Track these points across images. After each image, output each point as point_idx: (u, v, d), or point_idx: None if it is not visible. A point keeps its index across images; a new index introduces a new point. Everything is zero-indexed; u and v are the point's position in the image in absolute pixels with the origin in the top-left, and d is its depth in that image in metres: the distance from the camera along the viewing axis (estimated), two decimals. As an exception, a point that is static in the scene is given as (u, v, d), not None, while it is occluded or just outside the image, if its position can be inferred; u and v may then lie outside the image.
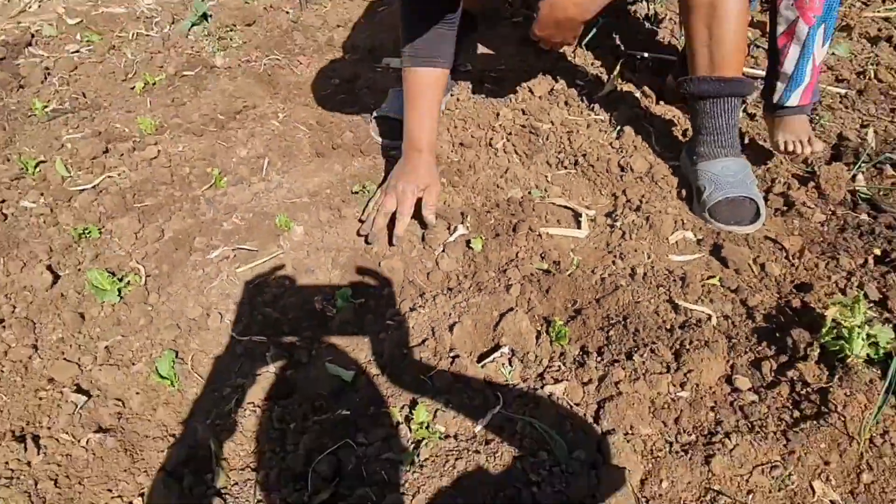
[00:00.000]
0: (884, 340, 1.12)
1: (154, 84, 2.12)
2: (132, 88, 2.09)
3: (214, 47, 2.28)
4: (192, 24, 2.37)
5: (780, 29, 1.52)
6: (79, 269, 1.47)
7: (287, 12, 2.53)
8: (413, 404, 1.13)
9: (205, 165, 1.77)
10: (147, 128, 1.88)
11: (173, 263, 1.48)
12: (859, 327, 1.12)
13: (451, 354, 1.20)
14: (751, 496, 0.98)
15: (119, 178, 1.72)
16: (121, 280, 1.42)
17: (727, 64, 1.48)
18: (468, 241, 1.50)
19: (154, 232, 1.55)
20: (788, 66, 1.54)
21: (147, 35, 2.36)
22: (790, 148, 1.59)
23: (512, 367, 1.19)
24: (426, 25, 1.54)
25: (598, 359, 1.19)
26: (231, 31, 2.38)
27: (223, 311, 1.36)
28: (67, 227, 1.57)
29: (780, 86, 1.57)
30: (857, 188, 1.64)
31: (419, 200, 1.54)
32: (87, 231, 1.54)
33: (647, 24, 2.33)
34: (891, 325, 1.21)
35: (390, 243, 1.51)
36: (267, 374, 1.23)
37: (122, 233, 1.55)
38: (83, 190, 1.68)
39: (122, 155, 1.80)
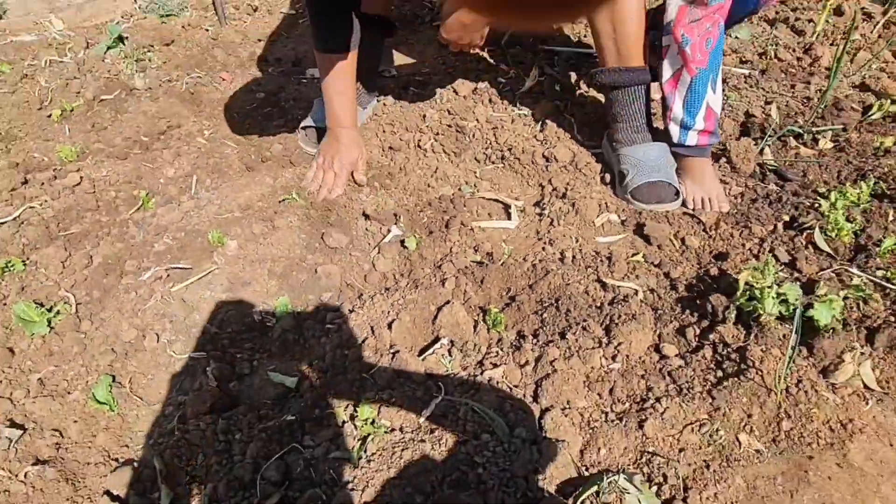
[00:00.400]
0: (792, 297, 1.21)
1: (72, 111, 2.07)
2: (49, 116, 2.04)
3: (133, 69, 2.24)
4: (108, 48, 2.33)
5: (666, 76, 1.55)
6: (3, 304, 1.43)
7: (206, 29, 2.51)
8: (357, 402, 1.14)
9: (131, 188, 1.74)
10: (67, 155, 1.84)
11: (104, 289, 1.45)
12: (769, 287, 1.19)
13: (392, 351, 1.22)
14: (682, 454, 1.04)
15: (41, 208, 1.67)
16: (50, 310, 1.38)
17: (632, 56, 1.58)
18: (402, 241, 1.53)
19: (82, 259, 1.52)
20: (678, 111, 1.56)
21: (61, 62, 2.30)
22: (698, 206, 1.59)
23: (452, 357, 1.22)
24: (331, 12, 1.61)
25: (534, 341, 1.24)
26: (149, 51, 2.34)
27: (159, 331, 1.35)
28: (-11, 261, 1.52)
29: (674, 127, 1.60)
30: (764, 161, 1.75)
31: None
32: (9, 264, 1.50)
33: (562, 20, 2.41)
34: (799, 284, 1.30)
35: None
36: (209, 389, 1.22)
37: (48, 263, 1.51)
38: (3, 223, 1.63)
39: (43, 184, 1.75)
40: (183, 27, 2.53)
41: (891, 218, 1.48)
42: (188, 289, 1.44)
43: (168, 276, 1.47)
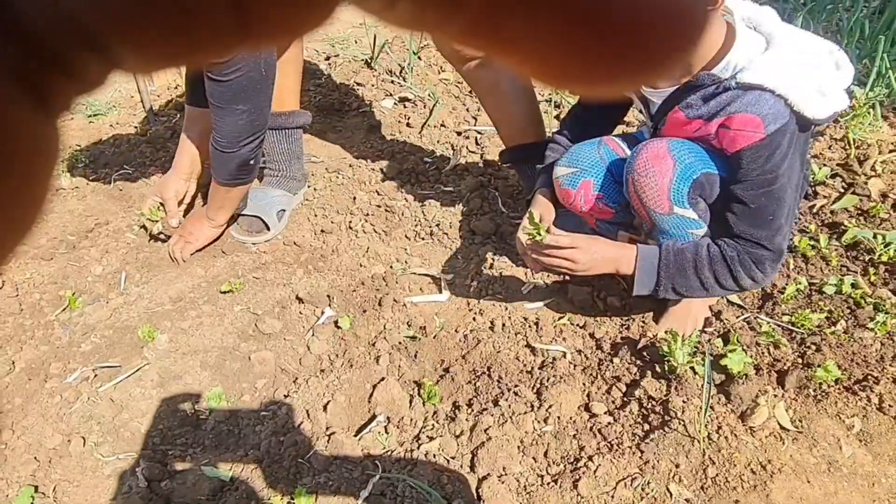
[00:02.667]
0: (692, 348, 1.28)
1: (-6, 214, 2.03)
2: (-30, 221, 2.00)
3: (60, 169, 2.23)
4: (34, 150, 2.32)
5: None
6: (-83, 420, 1.36)
7: (134, 127, 2.54)
8: (294, 491, 1.13)
9: (57, 289, 1.71)
10: (-11, 259, 1.80)
11: (27, 395, 1.40)
12: (681, 341, 1.27)
13: (328, 433, 1.22)
14: (616, 510, 1.07)
15: (-40, 316, 1.62)
16: (-33, 422, 1.32)
17: (526, 133, 1.74)
18: (336, 322, 1.55)
19: (3, 366, 1.47)
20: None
21: (-17, 166, 2.28)
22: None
23: (388, 433, 1.23)
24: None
25: (469, 410, 1.26)
26: (77, 151, 2.35)
27: (86, 433, 1.30)
28: None
29: None
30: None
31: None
32: (-76, 377, 1.44)
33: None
34: (717, 334, 1.38)
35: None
36: (138, 491, 1.18)
37: (-33, 372, 1.45)
38: (-82, 334, 1.57)
39: (-38, 291, 1.70)
40: (111, 125, 2.55)
41: (792, 266, 1.60)
42: (117, 388, 1.41)
43: (96, 376, 1.44)
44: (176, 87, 2.87)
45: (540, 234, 1.30)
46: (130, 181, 2.20)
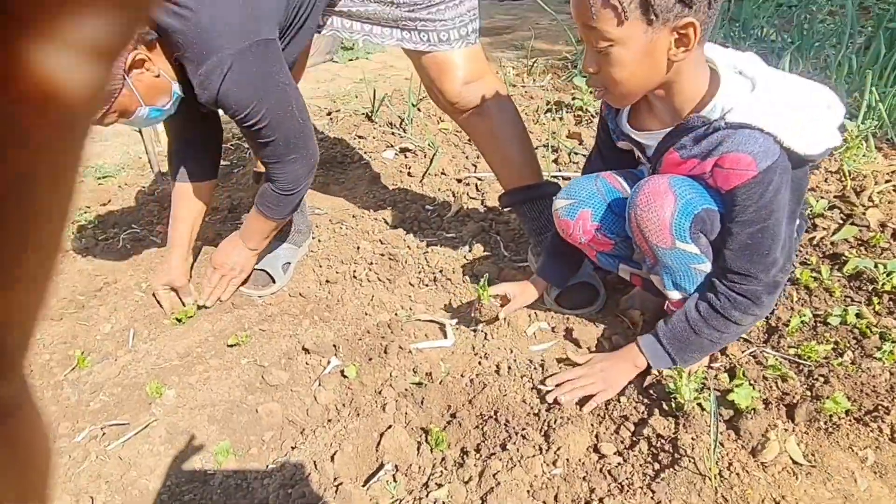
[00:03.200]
0: (698, 384, 1.28)
1: (6, 277, 2.07)
2: (-18, 285, 2.04)
3: (70, 231, 2.28)
4: (44, 213, 2.38)
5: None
6: (-74, 485, 1.36)
7: (142, 187, 2.61)
8: (303, 543, 1.12)
9: (66, 349, 1.73)
10: None
11: (36, 456, 1.40)
12: (686, 377, 1.26)
13: (336, 483, 1.22)
14: (630, 553, 1.05)
15: (-30, 379, 1.64)
16: (-24, 486, 1.32)
17: (523, 176, 1.76)
18: (342, 371, 1.55)
19: (13, 427, 1.47)
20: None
21: (-4, 230, 2.33)
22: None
23: (397, 482, 1.22)
24: (184, 148, 1.85)
25: (477, 455, 1.25)
26: (85, 213, 2.40)
27: (94, 493, 1.30)
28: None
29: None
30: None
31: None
32: (-66, 441, 1.44)
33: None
34: (724, 369, 1.37)
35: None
36: (147, 550, 1.17)
37: (-24, 435, 1.46)
38: (-71, 399, 1.58)
39: (-27, 354, 1.72)
40: (119, 187, 2.62)
41: (795, 299, 1.61)
42: (125, 445, 1.41)
43: (104, 434, 1.44)
44: (183, 147, 2.95)
45: (483, 296, 1.53)
46: (138, 240, 2.25)
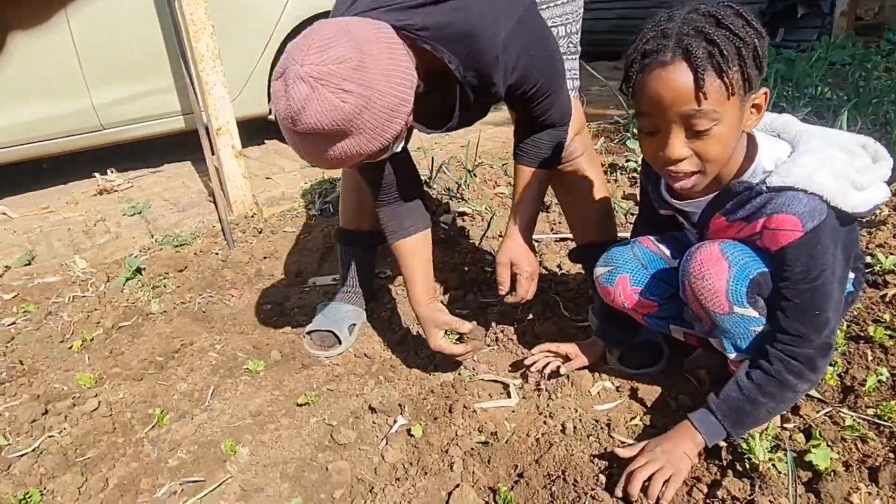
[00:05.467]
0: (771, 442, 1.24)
1: (92, 340, 2.21)
2: (70, 348, 2.17)
3: (149, 296, 2.43)
4: (127, 279, 2.54)
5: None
6: (19, 538, 1.44)
7: (216, 253, 2.76)
8: None
9: (146, 407, 1.81)
10: (86, 382, 1.94)
11: (119, 511, 1.47)
12: (759, 437, 1.24)
13: (406, 542, 1.23)
14: None
15: (60, 437, 1.73)
16: (65, 538, 1.39)
17: (599, 232, 1.81)
18: (409, 430, 1.58)
19: (98, 483, 1.55)
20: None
21: (83, 296, 2.49)
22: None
23: (466, 542, 1.22)
24: (389, 201, 1.73)
25: (546, 516, 1.25)
26: (164, 278, 2.55)
27: (174, 548, 1.34)
28: (6, 495, 1.55)
29: None
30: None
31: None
32: (27, 496, 1.52)
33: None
34: (798, 429, 1.34)
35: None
36: None
37: (65, 490, 1.53)
38: (22, 455, 1.68)
39: (62, 413, 1.83)
40: (195, 254, 2.77)
41: (870, 358, 1.56)
42: (202, 501, 1.46)
43: (182, 490, 1.50)
44: (253, 216, 3.12)
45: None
46: (213, 303, 2.37)
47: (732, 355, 1.34)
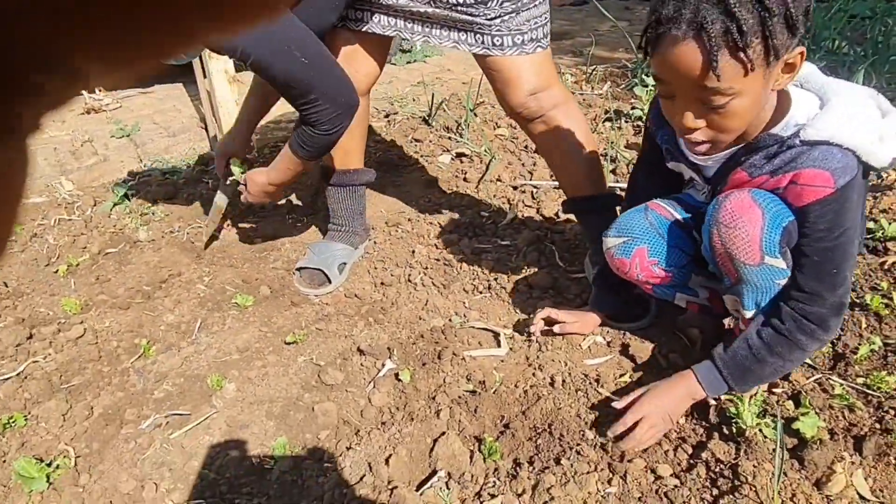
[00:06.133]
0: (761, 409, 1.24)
1: (78, 265, 2.17)
2: (56, 272, 2.14)
3: (137, 223, 2.37)
4: (114, 205, 2.48)
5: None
6: (3, 461, 1.44)
7: (206, 182, 2.69)
8: (357, 544, 1.14)
9: (132, 337, 1.80)
10: (72, 308, 1.91)
11: (104, 440, 1.47)
12: (748, 401, 1.24)
13: (390, 487, 1.23)
14: (686, 578, 1.03)
15: (45, 362, 1.72)
16: (49, 465, 1.39)
17: (586, 186, 1.77)
18: (397, 374, 1.57)
19: (83, 411, 1.55)
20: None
21: (69, 220, 2.44)
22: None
23: (449, 489, 1.23)
24: None
25: (530, 468, 1.25)
26: (152, 206, 2.49)
27: (158, 480, 1.35)
28: (-10, 419, 1.54)
29: None
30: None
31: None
32: (11, 420, 1.52)
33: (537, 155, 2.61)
34: (787, 395, 1.34)
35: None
36: (207, 539, 1.21)
37: (49, 416, 1.53)
38: (6, 379, 1.66)
39: (47, 338, 1.81)
40: (184, 182, 2.70)
41: (864, 325, 1.55)
42: (187, 435, 1.46)
43: (167, 423, 1.49)
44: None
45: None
46: (202, 234, 2.32)
47: (750, 313, 1.30)
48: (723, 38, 0.99)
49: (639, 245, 1.42)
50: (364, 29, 1.76)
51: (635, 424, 1.26)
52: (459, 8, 1.61)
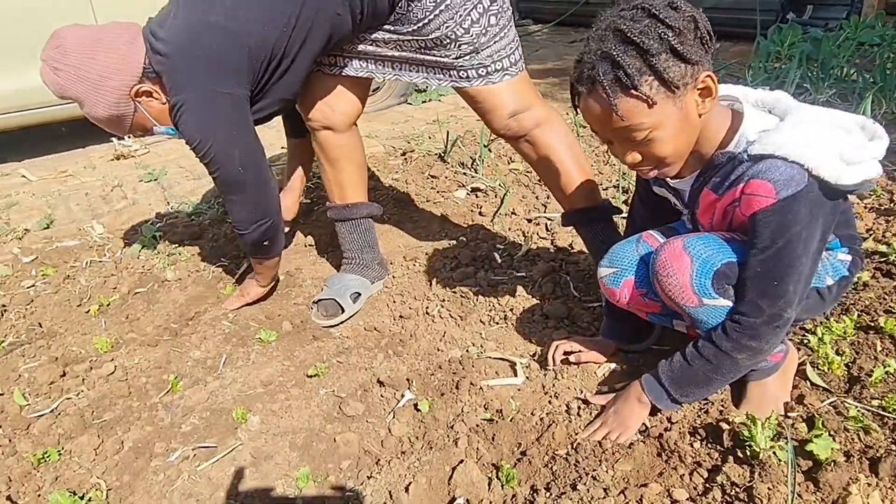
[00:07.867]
0: (773, 432, 1.25)
1: (108, 305, 2.25)
2: (87, 312, 2.22)
3: (165, 263, 2.46)
4: (143, 246, 2.57)
5: None
6: (38, 495, 1.49)
7: (230, 222, 2.78)
8: (378, 570, 1.16)
9: (161, 373, 1.86)
10: (103, 347, 1.98)
11: (134, 472, 1.51)
12: (761, 425, 1.25)
13: (410, 514, 1.26)
14: None
15: (77, 399, 1.79)
16: (83, 498, 1.44)
17: (579, 199, 1.85)
18: (416, 404, 1.61)
19: (113, 445, 1.60)
20: None
21: (100, 262, 2.54)
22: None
23: (468, 516, 1.25)
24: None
25: (547, 494, 1.27)
26: (180, 246, 2.58)
27: (186, 510, 1.39)
28: (26, 454, 1.60)
29: None
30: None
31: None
32: (46, 455, 1.58)
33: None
34: (801, 419, 1.35)
35: None
36: (233, 567, 1.24)
37: (82, 450, 1.59)
38: (41, 415, 1.73)
39: (80, 376, 1.88)
40: (209, 222, 2.80)
41: (879, 348, 1.56)
42: (213, 466, 1.50)
43: (195, 455, 1.54)
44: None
45: None
46: (227, 272, 2.40)
47: None
48: (616, 84, 1.11)
49: (626, 276, 1.48)
50: (338, 73, 1.89)
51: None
52: (423, 51, 1.76)
